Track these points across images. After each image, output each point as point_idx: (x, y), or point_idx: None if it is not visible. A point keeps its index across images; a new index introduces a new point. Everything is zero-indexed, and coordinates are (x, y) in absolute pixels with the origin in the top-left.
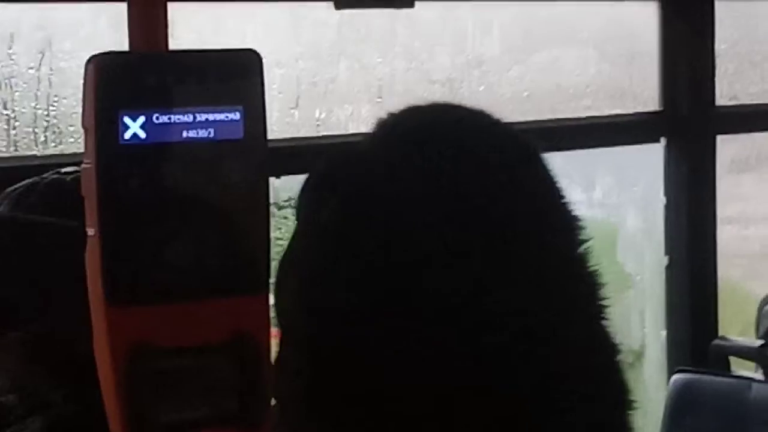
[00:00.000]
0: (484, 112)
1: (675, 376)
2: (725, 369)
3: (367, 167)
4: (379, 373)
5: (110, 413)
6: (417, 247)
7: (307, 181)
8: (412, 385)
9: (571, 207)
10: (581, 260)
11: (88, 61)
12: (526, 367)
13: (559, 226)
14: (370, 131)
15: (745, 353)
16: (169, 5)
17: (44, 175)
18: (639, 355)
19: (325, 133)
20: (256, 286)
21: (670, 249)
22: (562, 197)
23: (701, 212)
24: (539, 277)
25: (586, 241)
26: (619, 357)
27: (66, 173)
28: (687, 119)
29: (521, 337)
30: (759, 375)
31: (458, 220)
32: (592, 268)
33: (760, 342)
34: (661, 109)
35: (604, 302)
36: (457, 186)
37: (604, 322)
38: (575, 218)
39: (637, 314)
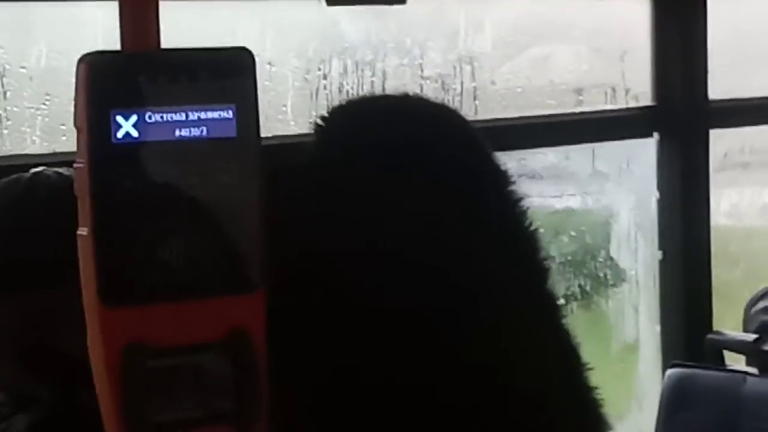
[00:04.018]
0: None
1: (670, 371)
2: (720, 363)
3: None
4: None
5: (105, 413)
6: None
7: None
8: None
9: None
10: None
11: (80, 60)
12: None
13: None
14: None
15: (739, 347)
16: (161, 4)
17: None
18: (633, 350)
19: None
20: (250, 284)
21: (663, 244)
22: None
23: (695, 207)
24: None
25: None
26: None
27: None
28: (680, 114)
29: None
30: (753, 369)
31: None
32: (537, 250)
33: (754, 336)
34: (654, 104)
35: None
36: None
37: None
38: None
39: (631, 309)
